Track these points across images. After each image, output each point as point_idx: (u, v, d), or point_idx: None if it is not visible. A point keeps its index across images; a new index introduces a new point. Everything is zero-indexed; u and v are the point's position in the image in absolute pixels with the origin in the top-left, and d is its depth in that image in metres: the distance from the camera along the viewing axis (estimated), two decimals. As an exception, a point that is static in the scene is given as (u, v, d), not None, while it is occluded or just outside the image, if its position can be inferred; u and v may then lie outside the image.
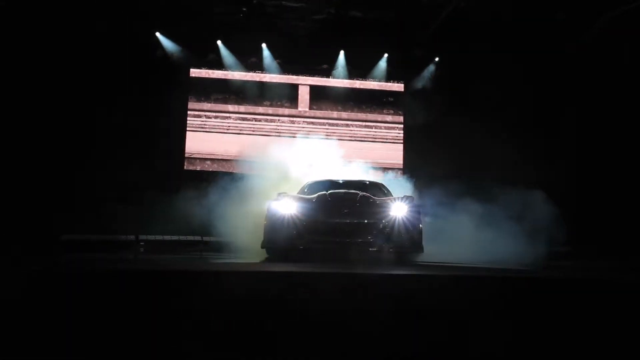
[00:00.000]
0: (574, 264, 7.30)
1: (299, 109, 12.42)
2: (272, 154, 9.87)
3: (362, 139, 12.53)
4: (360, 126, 12.56)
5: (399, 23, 11.33)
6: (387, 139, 12.60)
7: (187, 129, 11.91)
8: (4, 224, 8.87)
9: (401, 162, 12.49)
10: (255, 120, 12.20)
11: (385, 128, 12.64)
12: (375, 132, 12.59)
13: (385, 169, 11.62)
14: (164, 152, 11.42)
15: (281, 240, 6.07)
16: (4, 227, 8.73)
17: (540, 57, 11.71)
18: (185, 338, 3.00)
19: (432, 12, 10.78)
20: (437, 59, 12.36)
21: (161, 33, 11.44)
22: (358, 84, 12.65)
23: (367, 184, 7.66)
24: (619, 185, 10.98)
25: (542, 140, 11.77)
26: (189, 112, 11.97)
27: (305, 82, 12.55)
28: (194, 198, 8.89)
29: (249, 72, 12.20)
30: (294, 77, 12.46)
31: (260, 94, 12.26)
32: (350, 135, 12.47)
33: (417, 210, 6.21)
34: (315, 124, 12.30)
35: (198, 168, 11.73)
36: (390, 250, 5.87)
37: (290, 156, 9.94)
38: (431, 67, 12.47)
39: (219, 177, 9.69)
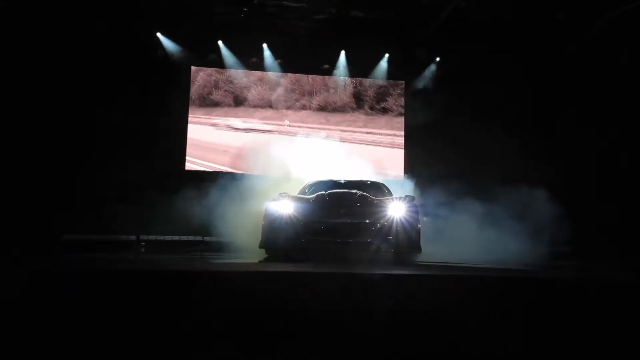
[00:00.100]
0: (575, 264, 7.29)
1: (300, 109, 12.41)
2: (272, 154, 9.88)
3: (364, 139, 12.51)
4: (361, 126, 12.55)
5: (400, 23, 11.32)
6: (387, 138, 12.59)
7: (188, 128, 11.90)
8: (5, 224, 8.87)
9: (402, 162, 12.47)
10: (256, 120, 12.19)
11: (386, 128, 12.63)
12: (376, 131, 12.58)
13: (386, 169, 11.63)
14: (165, 152, 11.41)
15: (279, 241, 6.07)
16: (5, 227, 8.73)
17: (541, 56, 11.70)
18: (186, 338, 3.00)
19: (433, 12, 10.76)
20: (438, 59, 12.35)
21: (162, 33, 11.43)
22: (359, 83, 12.64)
23: (369, 184, 7.66)
24: (620, 185, 10.97)
25: (542, 139, 11.76)
26: (189, 112, 11.96)
27: (306, 82, 12.54)
28: (194, 198, 8.90)
29: (250, 71, 12.18)
30: (295, 76, 12.45)
31: (260, 94, 12.25)
32: (351, 134, 12.46)
33: (416, 210, 6.20)
34: (316, 124, 12.28)
35: (199, 168, 11.71)
36: (388, 250, 5.86)
37: (291, 156, 9.95)
38: (432, 67, 12.46)
39: (219, 177, 9.69)
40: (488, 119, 11.15)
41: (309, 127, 12.16)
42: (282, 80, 12.33)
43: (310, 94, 12.52)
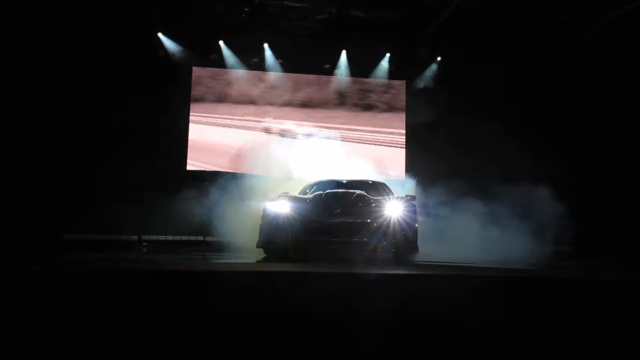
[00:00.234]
0: (577, 264, 7.27)
1: (301, 108, 12.40)
2: (273, 154, 9.88)
3: (365, 140, 12.50)
4: (362, 125, 12.53)
5: (401, 23, 11.30)
6: (388, 138, 12.58)
7: (189, 129, 11.90)
8: (6, 223, 8.87)
9: (403, 161, 12.46)
10: (256, 119, 12.18)
11: (387, 127, 12.61)
12: (377, 131, 12.56)
13: (387, 168, 11.62)
14: (166, 152, 11.42)
15: (275, 240, 6.10)
16: (6, 227, 8.74)
17: (542, 56, 11.68)
18: (187, 338, 3.00)
19: (434, 11, 10.75)
20: (439, 58, 12.33)
21: (163, 33, 11.43)
22: (360, 83, 12.62)
23: (370, 184, 7.67)
24: (621, 185, 10.94)
25: (543, 139, 11.74)
26: (190, 113, 11.96)
27: (307, 82, 12.54)
28: (195, 198, 8.90)
29: (251, 71, 12.18)
30: (296, 76, 12.45)
31: (261, 94, 12.25)
32: (352, 134, 12.44)
33: (413, 210, 6.20)
34: (317, 124, 12.27)
35: (200, 168, 11.70)
36: (385, 249, 5.85)
37: (292, 156, 9.95)
38: (433, 66, 12.44)
39: (220, 177, 9.69)
40: (489, 118, 11.13)
41: (309, 126, 12.15)
42: (282, 79, 12.31)
43: (310, 92, 12.52)
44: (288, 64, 12.20)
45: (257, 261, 6.00)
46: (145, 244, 9.57)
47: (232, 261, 6.21)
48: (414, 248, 6.10)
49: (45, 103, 10.38)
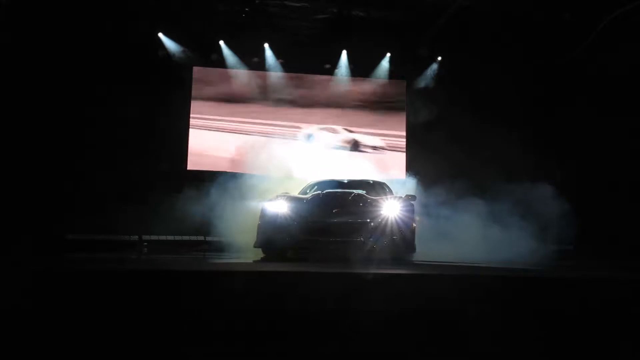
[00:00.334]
0: (577, 263, 7.27)
1: (302, 108, 12.41)
2: (274, 154, 9.89)
3: (365, 138, 12.51)
4: (363, 125, 12.53)
5: (402, 22, 11.30)
6: (389, 137, 12.58)
7: (190, 128, 11.91)
8: (8, 224, 8.90)
9: (404, 161, 12.46)
10: (257, 119, 12.19)
11: (388, 126, 12.62)
12: (378, 130, 12.57)
13: (387, 168, 11.62)
14: (167, 152, 11.45)
15: (273, 240, 6.13)
16: (8, 227, 8.76)
17: (544, 55, 11.67)
18: (186, 337, 3.01)
19: (435, 11, 10.75)
20: (439, 58, 12.33)
21: (163, 33, 11.45)
22: (360, 82, 12.62)
23: (371, 183, 7.69)
24: (622, 184, 10.93)
25: (545, 139, 11.74)
26: (191, 113, 11.97)
27: (307, 82, 12.55)
28: (196, 198, 8.92)
29: (251, 71, 12.19)
30: (297, 76, 12.45)
31: (262, 94, 12.26)
32: (353, 133, 12.45)
33: (411, 210, 6.21)
34: (317, 123, 12.28)
35: (201, 168, 11.71)
36: (382, 249, 5.85)
37: (292, 156, 9.96)
38: (434, 66, 12.44)
39: (222, 177, 9.70)
40: (489, 117, 11.12)
41: (309, 126, 12.16)
42: (286, 79, 12.32)
43: (310, 91, 12.53)
44: (288, 64, 12.20)
45: (255, 261, 6.01)
46: (146, 243, 9.59)
47: (230, 261, 6.22)
48: (411, 247, 6.11)
49: (46, 103, 10.39)
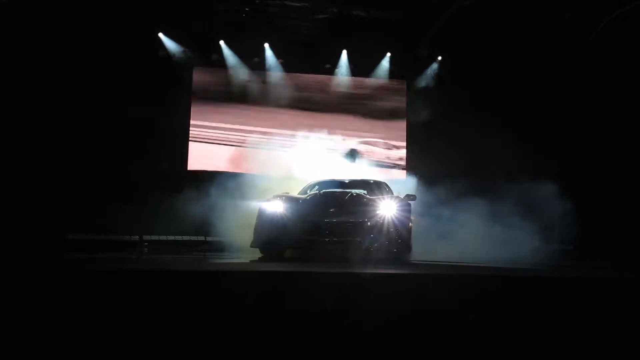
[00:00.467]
0: (577, 263, 7.27)
1: (302, 107, 12.41)
2: (276, 154, 9.90)
3: (366, 138, 12.52)
4: (364, 125, 12.54)
5: (402, 22, 11.30)
6: (390, 137, 12.59)
7: (190, 128, 11.92)
8: (8, 224, 8.90)
9: (404, 161, 12.47)
10: (257, 119, 12.19)
11: (388, 126, 12.62)
12: (379, 130, 12.57)
13: (388, 168, 11.63)
14: (167, 152, 11.46)
15: (270, 240, 6.15)
16: (8, 227, 8.76)
17: (545, 55, 11.67)
18: (186, 337, 3.01)
19: (435, 11, 10.75)
20: (439, 58, 12.33)
21: (163, 33, 11.45)
22: (361, 82, 12.62)
23: (372, 183, 7.69)
24: (622, 184, 10.93)
25: (545, 139, 11.73)
26: (191, 112, 11.98)
27: (308, 82, 12.55)
28: (197, 198, 8.92)
29: (252, 71, 12.18)
30: (297, 76, 12.45)
31: (263, 94, 12.26)
32: (354, 134, 12.45)
33: (408, 209, 6.22)
34: (318, 123, 12.28)
35: (201, 168, 11.71)
36: (379, 249, 5.84)
37: (293, 156, 9.97)
38: (434, 66, 12.44)
39: (221, 177, 9.71)
40: (490, 117, 11.12)
41: (311, 127, 12.15)
42: (283, 79, 12.32)
43: (310, 91, 12.53)
44: (289, 64, 12.21)
45: (252, 261, 6.01)
46: (147, 244, 9.59)
47: (230, 261, 6.22)
48: (407, 247, 6.11)
49: (46, 103, 10.40)
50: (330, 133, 11.96)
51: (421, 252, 6.56)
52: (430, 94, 12.14)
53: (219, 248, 8.69)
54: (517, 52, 11.33)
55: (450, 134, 11.40)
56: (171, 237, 10.55)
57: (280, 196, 6.50)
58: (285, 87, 12.30)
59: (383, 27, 11.33)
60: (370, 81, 12.63)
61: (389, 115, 12.67)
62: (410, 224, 6.16)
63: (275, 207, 6.21)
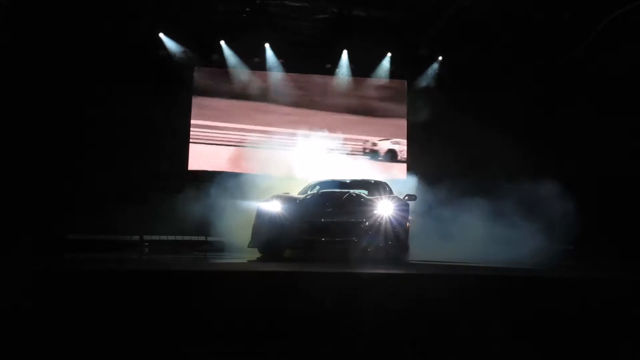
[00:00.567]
0: (577, 263, 7.27)
1: (303, 107, 12.41)
2: (276, 154, 9.90)
3: (366, 138, 12.52)
4: (364, 124, 12.54)
5: (402, 22, 11.30)
6: (390, 137, 12.59)
7: (191, 128, 11.92)
8: (9, 224, 8.90)
9: (404, 161, 12.47)
10: (258, 119, 12.19)
11: (389, 126, 12.62)
12: (379, 130, 12.58)
13: (388, 167, 11.64)
14: (167, 152, 11.45)
15: (267, 240, 6.15)
16: (9, 228, 8.77)
17: (545, 55, 11.66)
18: (186, 337, 3.01)
19: (436, 11, 10.74)
20: (440, 58, 12.33)
21: (164, 33, 11.46)
22: (361, 82, 12.62)
23: (372, 183, 7.70)
24: (622, 184, 10.92)
25: (545, 139, 11.73)
26: (192, 112, 11.98)
27: (308, 82, 12.55)
28: (197, 198, 8.92)
29: (252, 71, 12.18)
30: (297, 76, 12.45)
31: (263, 94, 12.26)
32: (354, 133, 12.45)
33: (405, 209, 6.21)
34: (319, 123, 12.27)
35: (202, 168, 11.71)
36: (376, 249, 5.84)
37: (293, 156, 9.97)
38: (435, 66, 12.44)
39: (222, 177, 9.71)
40: (490, 117, 11.12)
41: (311, 127, 12.15)
42: (283, 79, 12.32)
43: (310, 91, 12.53)
44: (289, 64, 12.21)
45: (249, 261, 6.01)
46: (147, 244, 9.60)
47: (230, 261, 6.22)
48: (405, 247, 6.11)
49: (46, 103, 10.40)
50: (330, 133, 11.97)
51: (421, 251, 6.56)
52: (430, 94, 12.14)
53: (219, 248, 8.69)
54: (517, 52, 11.33)
55: (450, 134, 11.40)
56: (172, 237, 10.56)
57: (278, 196, 6.50)
58: (285, 87, 12.29)
59: (383, 27, 11.33)
60: (370, 81, 12.62)
61: (389, 115, 12.66)
62: (407, 224, 6.15)
63: (273, 207, 6.21)
